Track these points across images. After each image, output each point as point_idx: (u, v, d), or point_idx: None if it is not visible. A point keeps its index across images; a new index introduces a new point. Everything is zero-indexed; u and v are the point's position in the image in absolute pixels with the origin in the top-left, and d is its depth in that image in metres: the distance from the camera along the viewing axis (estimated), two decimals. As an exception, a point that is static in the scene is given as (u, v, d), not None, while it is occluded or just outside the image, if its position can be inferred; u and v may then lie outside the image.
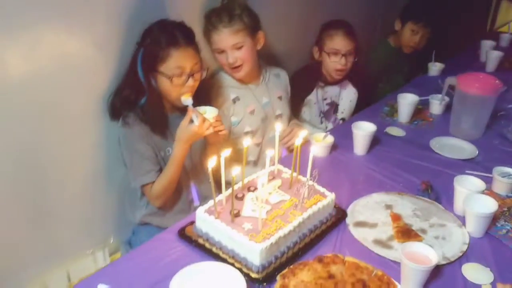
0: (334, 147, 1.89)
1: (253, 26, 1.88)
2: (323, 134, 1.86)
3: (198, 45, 1.67)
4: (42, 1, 1.41)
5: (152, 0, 1.72)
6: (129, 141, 1.66)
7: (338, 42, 2.23)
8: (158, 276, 1.22)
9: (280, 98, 2.09)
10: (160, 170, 1.69)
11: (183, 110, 1.72)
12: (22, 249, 1.61)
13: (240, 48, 1.86)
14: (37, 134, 1.54)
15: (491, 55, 2.85)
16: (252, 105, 1.99)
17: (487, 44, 3.04)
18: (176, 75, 1.58)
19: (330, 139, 1.85)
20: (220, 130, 1.63)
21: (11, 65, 1.40)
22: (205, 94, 1.76)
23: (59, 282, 1.68)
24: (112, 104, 1.66)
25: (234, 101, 1.96)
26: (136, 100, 1.63)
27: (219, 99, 1.93)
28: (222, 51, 1.88)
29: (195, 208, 1.37)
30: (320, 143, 1.81)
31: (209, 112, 1.60)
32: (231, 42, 1.85)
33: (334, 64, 2.25)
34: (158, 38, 1.58)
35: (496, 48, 3.02)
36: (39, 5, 1.40)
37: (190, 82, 1.61)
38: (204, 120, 1.56)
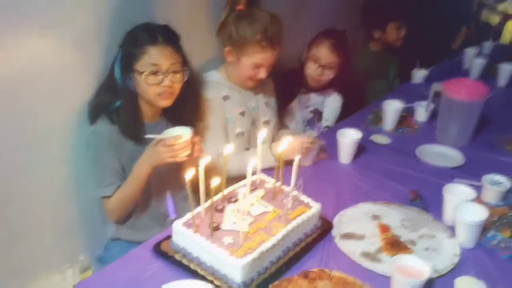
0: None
1: None
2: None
3: (181, 47, 1.59)
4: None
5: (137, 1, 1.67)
6: (96, 147, 1.58)
7: (321, 51, 2.18)
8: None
9: (266, 104, 2.03)
10: None
11: (166, 115, 1.66)
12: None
13: (272, 66, 1.86)
14: (2, 138, 1.44)
15: (474, 62, 2.84)
16: (241, 106, 1.93)
17: (470, 52, 3.03)
18: (150, 72, 1.51)
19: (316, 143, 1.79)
20: (196, 152, 1.52)
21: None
22: (191, 92, 1.69)
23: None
24: (90, 108, 1.59)
25: (224, 99, 1.89)
26: (110, 104, 1.56)
27: (209, 93, 1.85)
28: (259, 66, 1.82)
29: (171, 222, 1.29)
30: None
31: (184, 133, 1.47)
32: (272, 61, 1.84)
33: (310, 71, 2.22)
34: (137, 37, 1.53)
35: (479, 55, 3.02)
36: (13, 3, 1.33)
37: (166, 81, 1.53)
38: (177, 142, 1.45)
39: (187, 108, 1.68)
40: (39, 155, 1.54)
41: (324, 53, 2.17)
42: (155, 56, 1.51)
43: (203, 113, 1.82)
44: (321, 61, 2.17)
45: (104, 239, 1.72)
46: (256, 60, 1.81)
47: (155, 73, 1.51)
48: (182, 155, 1.48)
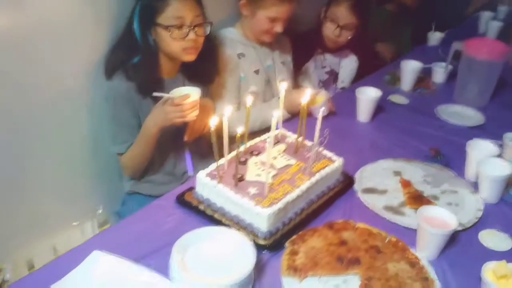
0: (336, 113, 1.80)
1: None
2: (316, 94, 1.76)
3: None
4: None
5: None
6: (112, 104, 1.55)
7: (340, 11, 2.11)
8: (159, 242, 1.12)
9: (283, 63, 2.00)
10: None
11: (184, 71, 1.62)
12: (4, 220, 1.50)
13: (289, 20, 1.82)
14: (19, 98, 1.42)
15: (491, 25, 2.78)
16: (256, 64, 1.90)
17: (486, 15, 2.97)
18: (175, 26, 1.45)
19: (324, 95, 1.77)
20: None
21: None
22: (211, 48, 1.64)
23: (44, 254, 1.56)
24: (106, 64, 1.54)
25: (239, 56, 1.86)
26: (128, 60, 1.51)
27: (226, 51, 1.82)
28: (275, 20, 1.79)
29: (188, 177, 1.27)
30: (318, 104, 1.72)
31: (193, 93, 1.42)
32: (289, 14, 1.80)
33: (328, 31, 2.16)
34: None
35: (494, 19, 2.96)
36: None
37: (191, 35, 1.47)
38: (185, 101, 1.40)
39: (205, 64, 1.64)
40: (56, 110, 1.53)
41: (343, 12, 2.11)
42: (179, 8, 1.45)
43: (220, 70, 1.78)
44: (339, 21, 2.11)
45: (122, 193, 1.71)
46: (272, 13, 1.76)
47: (179, 26, 1.46)
48: (190, 115, 1.44)
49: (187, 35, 1.47)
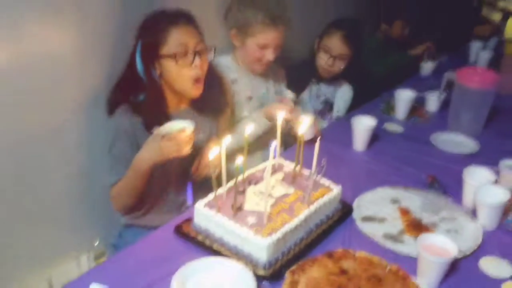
0: (332, 142, 1.81)
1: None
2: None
3: (200, 26, 1.54)
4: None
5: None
6: (113, 137, 1.53)
7: (333, 42, 2.17)
8: (157, 274, 1.11)
9: (277, 93, 2.02)
10: None
11: (193, 105, 1.61)
12: (1, 251, 1.48)
13: (279, 47, 1.84)
14: (20, 130, 1.44)
15: (481, 55, 2.85)
16: (249, 91, 1.91)
17: (476, 45, 3.04)
18: (180, 53, 1.46)
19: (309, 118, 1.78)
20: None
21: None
22: (217, 78, 1.66)
23: (40, 287, 1.54)
24: (108, 101, 1.54)
25: (232, 81, 1.87)
26: (134, 97, 1.50)
27: (222, 77, 1.82)
28: (265, 47, 1.80)
29: (187, 208, 1.27)
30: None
31: (187, 127, 1.39)
32: (278, 41, 1.81)
33: (322, 61, 2.20)
34: (156, 23, 1.48)
35: (484, 49, 3.03)
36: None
37: (197, 61, 1.47)
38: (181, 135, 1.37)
39: (214, 95, 1.63)
40: (54, 143, 1.54)
41: (336, 44, 2.16)
42: (181, 35, 1.46)
43: (229, 98, 1.78)
44: (332, 52, 2.16)
45: (119, 225, 1.70)
46: (260, 40, 1.78)
47: (184, 53, 1.46)
48: (186, 149, 1.41)
49: (193, 61, 1.47)
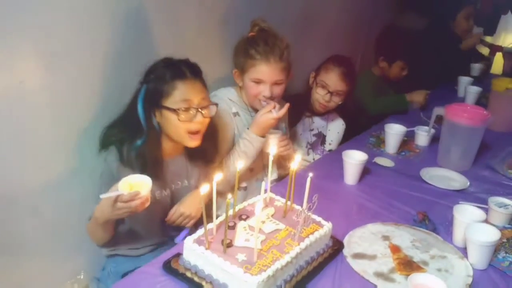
0: (323, 176, 1.81)
1: (290, 65, 1.87)
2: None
3: (205, 81, 1.55)
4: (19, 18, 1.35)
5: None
6: (100, 174, 1.51)
7: (330, 78, 2.18)
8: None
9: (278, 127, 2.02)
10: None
11: (184, 151, 1.63)
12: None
13: (279, 84, 1.83)
14: (9, 161, 1.42)
15: (470, 90, 2.89)
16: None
17: (465, 80, 3.09)
18: (183, 108, 1.46)
19: (276, 133, 1.84)
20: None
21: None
22: (215, 124, 1.66)
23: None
24: (102, 138, 1.51)
25: (234, 115, 1.88)
26: (130, 140, 1.48)
27: (222, 106, 1.79)
28: (260, 82, 1.80)
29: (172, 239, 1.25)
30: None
31: (143, 185, 1.30)
32: (275, 77, 1.80)
33: (318, 96, 2.21)
34: (163, 72, 1.47)
35: (473, 84, 3.08)
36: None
37: (199, 117, 1.48)
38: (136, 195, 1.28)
39: (207, 145, 1.61)
40: (41, 175, 1.52)
41: (334, 80, 2.17)
42: (187, 91, 1.46)
43: (220, 149, 1.78)
44: (330, 88, 2.17)
45: (103, 258, 1.66)
46: (253, 75, 1.79)
47: (187, 109, 1.46)
48: (141, 209, 1.32)
49: (194, 117, 1.48)
